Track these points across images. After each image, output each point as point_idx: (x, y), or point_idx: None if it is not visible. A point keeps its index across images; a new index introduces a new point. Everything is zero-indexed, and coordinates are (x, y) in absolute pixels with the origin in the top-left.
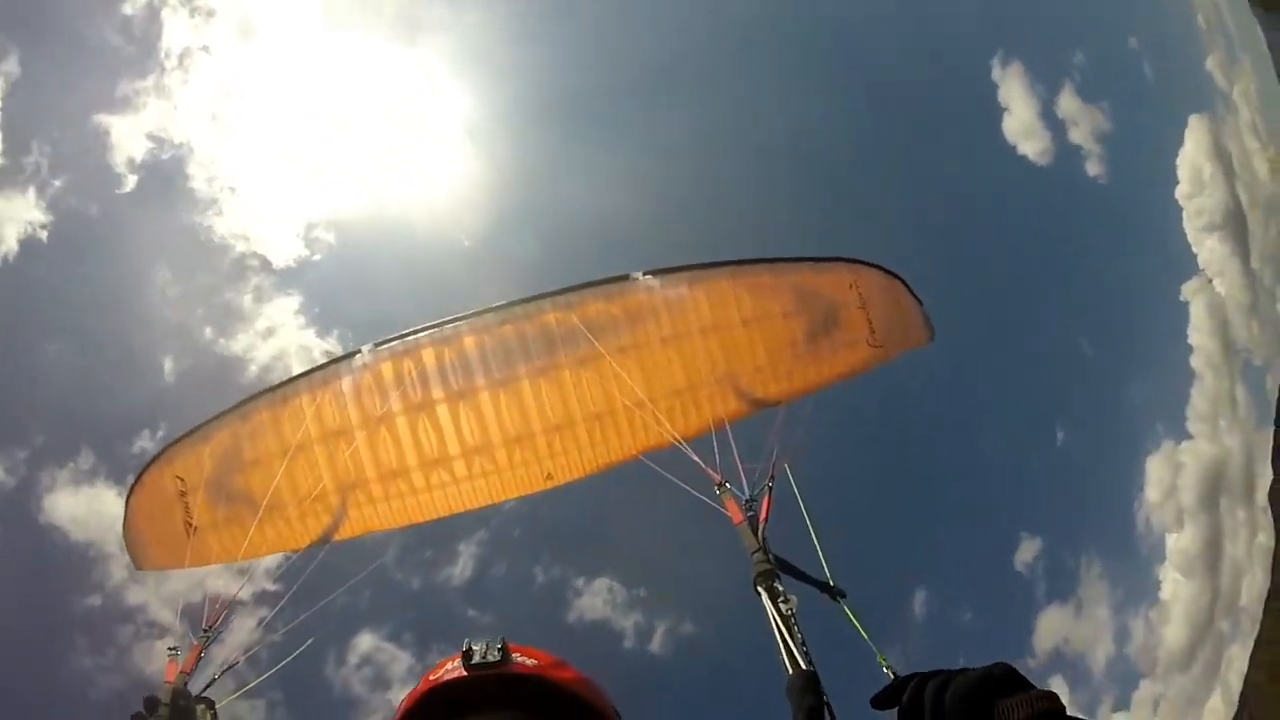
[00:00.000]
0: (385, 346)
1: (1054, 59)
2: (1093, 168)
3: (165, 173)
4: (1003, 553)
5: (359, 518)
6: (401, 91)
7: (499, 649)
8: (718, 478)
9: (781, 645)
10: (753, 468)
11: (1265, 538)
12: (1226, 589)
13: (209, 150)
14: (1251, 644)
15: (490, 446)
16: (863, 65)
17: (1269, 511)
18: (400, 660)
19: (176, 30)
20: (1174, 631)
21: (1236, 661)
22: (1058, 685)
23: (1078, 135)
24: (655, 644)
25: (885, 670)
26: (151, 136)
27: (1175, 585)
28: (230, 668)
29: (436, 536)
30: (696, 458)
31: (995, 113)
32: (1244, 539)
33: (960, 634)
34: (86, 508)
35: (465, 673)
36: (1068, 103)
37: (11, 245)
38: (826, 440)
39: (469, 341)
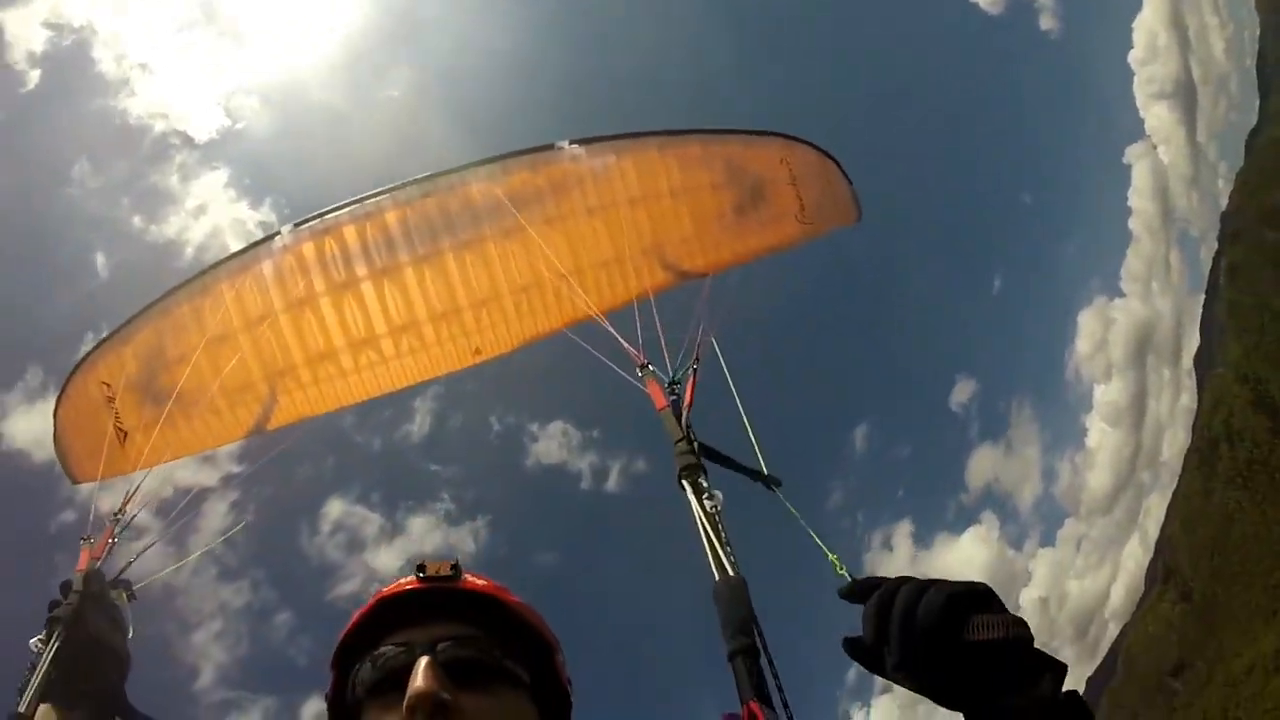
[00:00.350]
0: (305, 226)
1: None
2: (1046, 21)
3: (68, 61)
4: (939, 393)
5: (290, 404)
6: None
7: (452, 566)
8: (640, 358)
9: (707, 547)
10: (678, 345)
11: (1188, 399)
12: (1149, 444)
13: (112, 29)
14: (1170, 496)
15: (417, 323)
16: None
17: (1193, 375)
18: (371, 521)
19: None
20: (1098, 477)
21: (1155, 510)
22: (989, 520)
23: None
24: (611, 483)
25: (834, 564)
26: (48, 24)
27: (1101, 434)
28: (147, 548)
29: (392, 398)
30: (618, 335)
31: None
32: (1168, 398)
33: (898, 468)
34: (43, 425)
35: (418, 584)
36: None
37: None
38: (773, 284)
39: (391, 216)
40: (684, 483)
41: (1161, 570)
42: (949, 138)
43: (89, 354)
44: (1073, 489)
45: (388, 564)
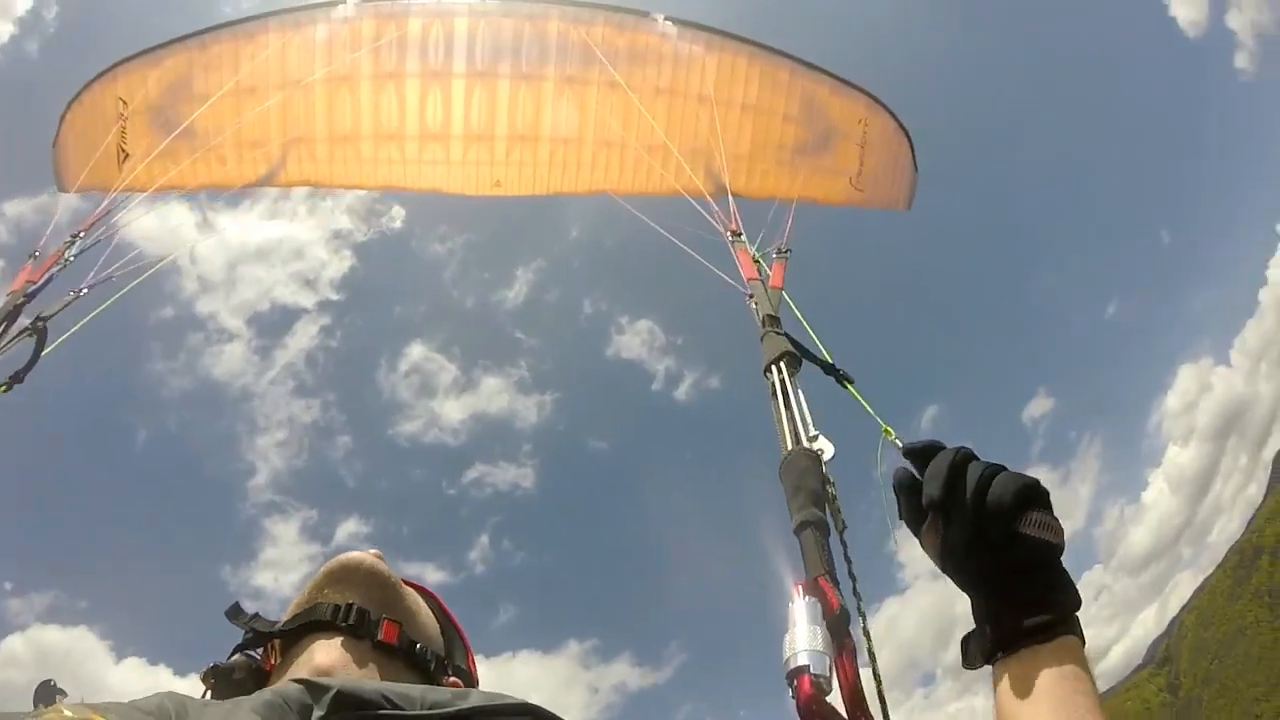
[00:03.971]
0: (371, 3)
1: None
2: (1241, 59)
3: None
4: (1017, 400)
5: (296, 171)
6: None
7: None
8: (732, 224)
9: (785, 420)
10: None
11: (1255, 491)
12: (1201, 520)
13: None
14: (1199, 582)
15: (448, 136)
16: None
17: (1269, 471)
18: (447, 370)
19: None
20: (1140, 535)
21: (1181, 589)
22: None
23: (1236, 20)
24: (681, 391)
25: (893, 441)
26: None
27: (1159, 494)
28: (79, 294)
29: (497, 258)
30: (707, 207)
31: None
32: (1236, 484)
33: None
34: (158, 222)
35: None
36: None
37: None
38: (882, 232)
39: (461, 23)
40: (778, 365)
41: (1161, 653)
42: (1107, 148)
43: (113, 66)
44: (1111, 539)
45: (451, 414)
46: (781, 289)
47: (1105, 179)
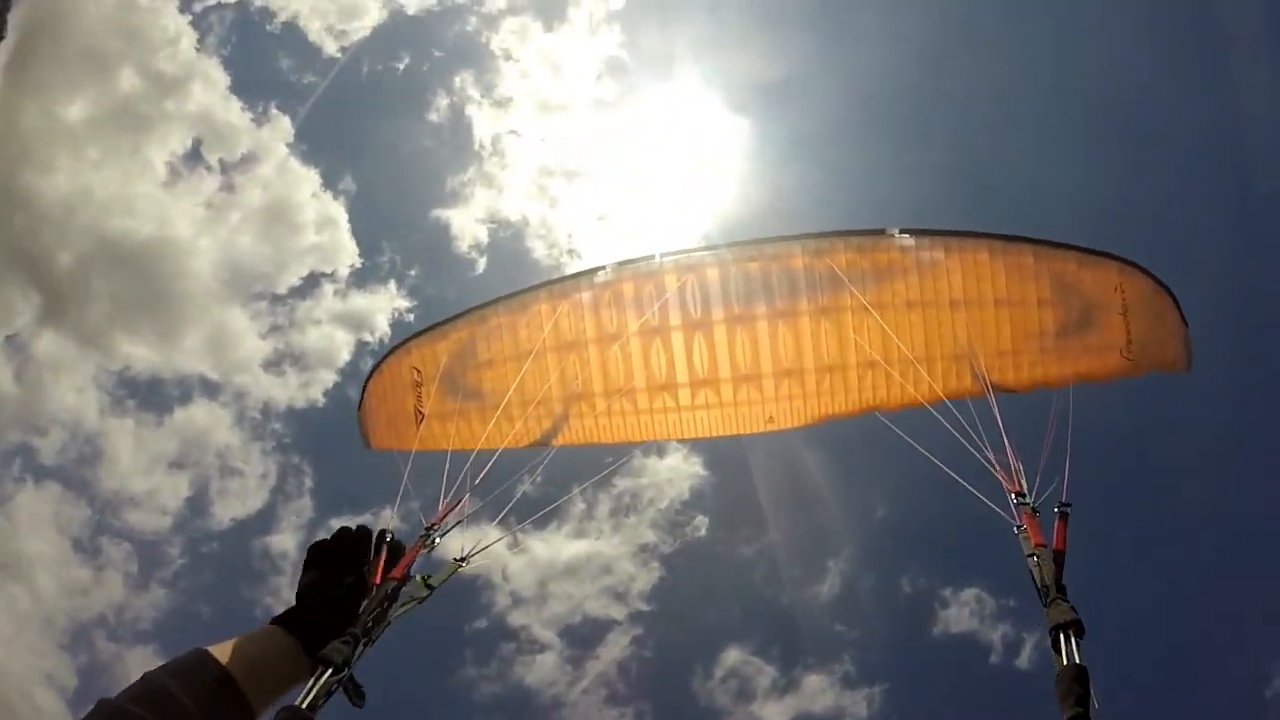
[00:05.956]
0: (629, 266)
1: None
2: None
3: (508, 250)
4: None
5: (580, 427)
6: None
7: None
8: (1015, 484)
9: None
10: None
11: None
12: None
13: (542, 219)
14: None
15: (717, 380)
16: None
17: None
18: (765, 674)
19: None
20: None
21: None
22: None
23: None
24: (1023, 657)
25: None
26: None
27: None
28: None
29: (807, 552)
30: (988, 457)
31: None
32: None
33: None
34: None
35: None
36: None
37: (385, 330)
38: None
39: (712, 273)
40: (1068, 635)
41: None
42: None
43: (408, 339)
44: None
45: (773, 717)
46: (1064, 550)
47: None
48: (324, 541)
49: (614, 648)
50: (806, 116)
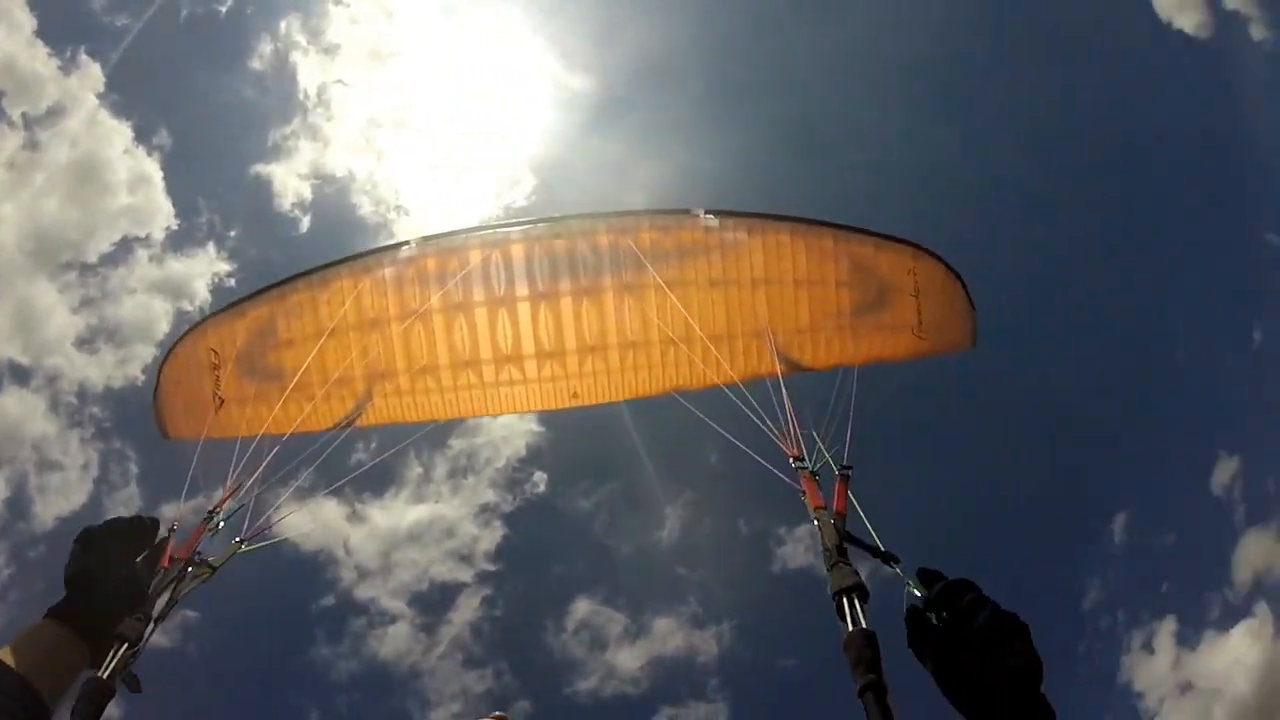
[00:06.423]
0: (433, 242)
1: None
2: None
3: (333, 207)
4: (1199, 475)
5: (383, 407)
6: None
7: None
8: (794, 450)
9: (847, 609)
10: (807, 433)
11: None
12: None
13: (369, 174)
14: None
15: (521, 357)
16: None
17: None
18: (616, 621)
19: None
20: None
21: None
22: (1262, 613)
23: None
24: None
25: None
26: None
27: None
28: (239, 546)
29: (643, 501)
30: (770, 425)
31: None
32: None
33: (1158, 561)
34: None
35: None
36: None
37: (205, 296)
38: (1008, 348)
39: (517, 249)
40: (849, 598)
41: None
42: (1179, 181)
43: (202, 320)
44: None
45: (628, 663)
46: (844, 514)
47: (1190, 211)
48: (93, 528)
49: (465, 610)
50: (646, 71)
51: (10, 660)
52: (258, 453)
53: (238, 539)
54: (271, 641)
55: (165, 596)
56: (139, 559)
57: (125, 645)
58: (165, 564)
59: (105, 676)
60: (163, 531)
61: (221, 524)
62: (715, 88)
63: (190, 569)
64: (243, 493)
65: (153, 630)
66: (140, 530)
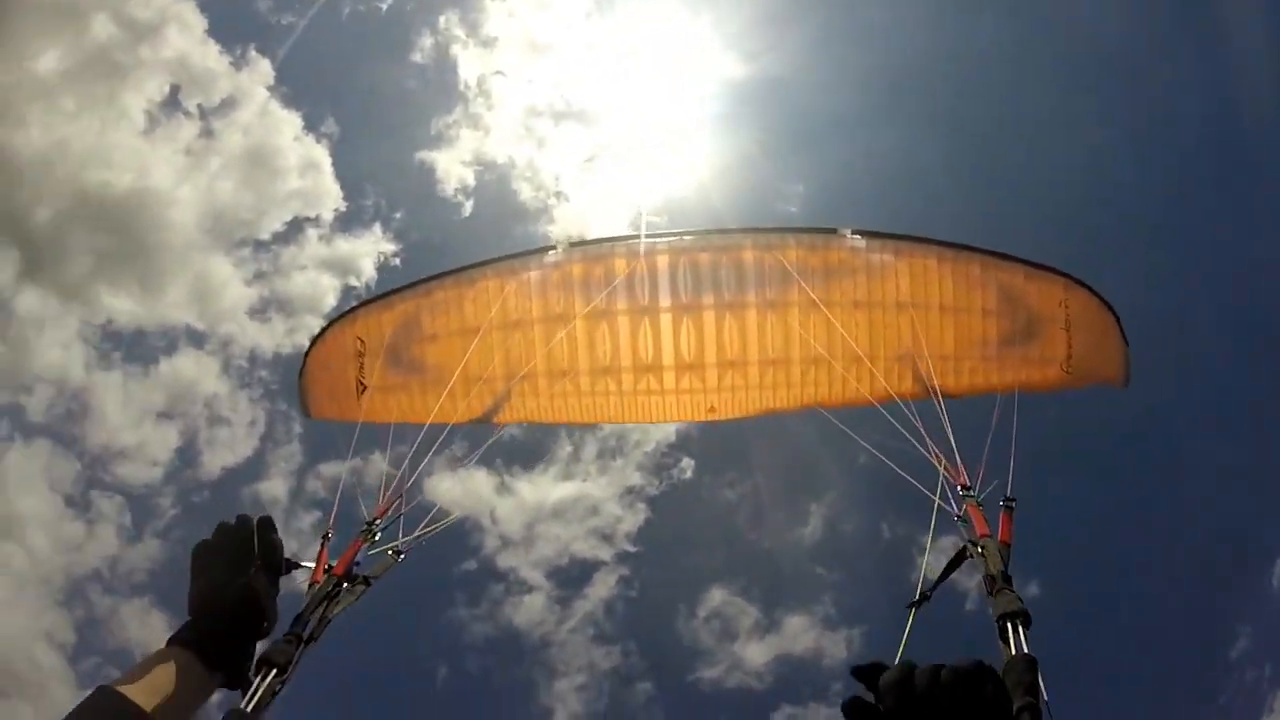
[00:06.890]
0: (579, 248)
1: None
2: None
3: (494, 192)
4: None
5: (520, 407)
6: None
7: None
8: (961, 477)
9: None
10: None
11: None
12: None
13: (529, 161)
14: None
15: (660, 367)
16: None
17: None
18: (748, 614)
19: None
20: None
21: None
22: None
23: None
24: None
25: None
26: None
27: None
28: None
29: (789, 496)
30: (932, 451)
31: None
32: None
33: None
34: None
35: None
36: None
37: (371, 274)
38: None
39: (662, 260)
40: (1015, 624)
41: None
42: None
43: (352, 309)
44: None
45: (755, 657)
46: (1010, 544)
47: None
48: (206, 542)
49: (600, 587)
50: (810, 64)
51: (130, 690)
52: (415, 459)
53: (392, 549)
54: (410, 598)
55: (317, 614)
56: (252, 571)
57: (275, 671)
58: (318, 578)
59: (249, 709)
60: (298, 555)
61: (379, 534)
62: (882, 78)
63: (345, 584)
64: (399, 505)
65: (302, 653)
66: (239, 537)
